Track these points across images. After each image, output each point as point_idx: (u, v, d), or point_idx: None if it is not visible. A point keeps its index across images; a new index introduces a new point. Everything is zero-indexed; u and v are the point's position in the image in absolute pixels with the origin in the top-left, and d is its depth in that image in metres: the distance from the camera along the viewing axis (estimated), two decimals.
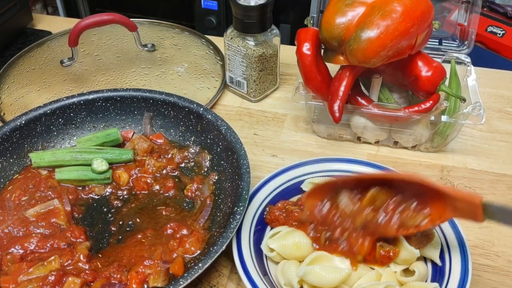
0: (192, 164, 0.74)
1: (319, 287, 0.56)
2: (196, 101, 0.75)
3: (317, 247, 0.60)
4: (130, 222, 0.66)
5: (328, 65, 0.76)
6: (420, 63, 0.73)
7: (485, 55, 1.58)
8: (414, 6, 0.67)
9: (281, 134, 0.84)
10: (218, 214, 0.66)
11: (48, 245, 0.62)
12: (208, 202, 0.68)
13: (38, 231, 0.64)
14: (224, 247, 0.56)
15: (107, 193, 0.71)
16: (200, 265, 0.54)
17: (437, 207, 0.55)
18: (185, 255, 0.61)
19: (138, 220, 0.67)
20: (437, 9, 0.88)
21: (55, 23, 1.13)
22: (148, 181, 0.71)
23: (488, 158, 0.79)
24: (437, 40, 0.91)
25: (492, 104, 0.90)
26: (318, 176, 0.69)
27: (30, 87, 0.89)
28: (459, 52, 0.86)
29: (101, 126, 0.78)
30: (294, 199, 0.67)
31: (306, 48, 0.73)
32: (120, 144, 0.76)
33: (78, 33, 0.86)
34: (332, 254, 0.59)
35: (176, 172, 0.73)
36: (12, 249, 0.61)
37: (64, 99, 0.76)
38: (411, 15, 0.67)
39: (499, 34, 1.56)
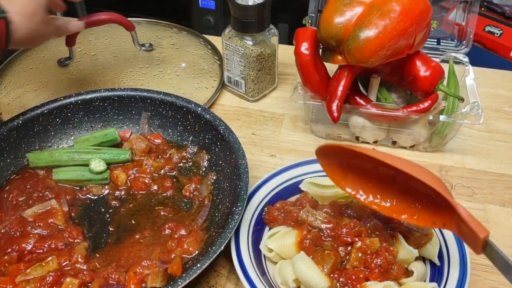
0: (190, 164, 0.74)
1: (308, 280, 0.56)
2: (194, 100, 0.75)
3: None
4: (128, 223, 0.66)
5: (327, 64, 0.76)
6: (418, 63, 0.73)
7: (483, 55, 1.58)
8: (412, 6, 0.67)
9: (279, 134, 0.84)
10: (217, 214, 0.66)
11: (45, 245, 0.62)
12: (206, 202, 0.67)
13: (35, 231, 0.64)
14: (222, 248, 0.56)
15: (105, 194, 0.70)
16: (198, 265, 0.54)
17: (443, 215, 0.53)
18: (183, 256, 0.61)
19: (136, 220, 0.66)
20: (435, 9, 0.88)
21: None
22: (146, 181, 0.71)
23: (486, 158, 0.79)
24: (435, 40, 0.91)
25: (490, 103, 0.90)
26: (316, 176, 0.69)
27: (27, 86, 0.89)
28: (457, 52, 0.86)
29: (99, 126, 0.78)
30: (293, 199, 0.67)
31: (304, 47, 0.73)
32: (117, 144, 0.76)
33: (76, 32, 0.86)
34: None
35: (174, 172, 0.73)
36: (10, 249, 0.61)
37: (62, 99, 0.75)
38: (409, 15, 0.67)
39: (497, 34, 1.56)
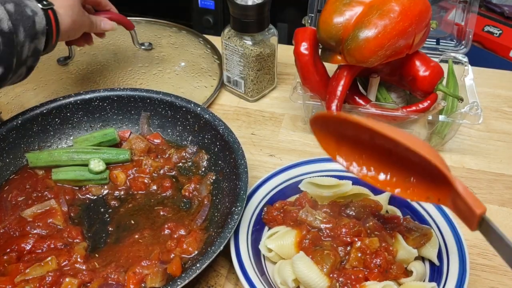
0: (190, 164, 0.74)
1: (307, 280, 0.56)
2: (194, 100, 0.75)
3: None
4: (127, 222, 0.66)
5: (326, 64, 0.76)
6: (417, 63, 0.73)
7: (482, 55, 1.58)
8: (412, 6, 0.67)
9: (278, 134, 0.84)
10: (216, 214, 0.66)
11: (45, 245, 0.62)
12: (206, 202, 0.67)
13: (35, 231, 0.64)
14: (222, 247, 0.56)
15: (104, 193, 0.70)
16: (198, 265, 0.54)
17: (438, 190, 0.51)
18: (183, 255, 0.61)
19: (135, 220, 0.66)
20: (435, 9, 0.88)
21: None
22: (145, 181, 0.71)
23: (485, 158, 0.79)
24: (435, 40, 0.91)
25: (489, 103, 0.90)
26: (316, 176, 0.69)
27: (27, 86, 0.89)
28: (456, 52, 0.86)
29: (98, 125, 0.78)
30: (292, 199, 0.67)
31: (304, 47, 0.73)
32: (117, 144, 0.76)
33: None
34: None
35: (174, 172, 0.73)
36: (9, 249, 0.61)
37: (61, 98, 0.75)
38: (408, 15, 0.67)
39: (496, 34, 1.56)
